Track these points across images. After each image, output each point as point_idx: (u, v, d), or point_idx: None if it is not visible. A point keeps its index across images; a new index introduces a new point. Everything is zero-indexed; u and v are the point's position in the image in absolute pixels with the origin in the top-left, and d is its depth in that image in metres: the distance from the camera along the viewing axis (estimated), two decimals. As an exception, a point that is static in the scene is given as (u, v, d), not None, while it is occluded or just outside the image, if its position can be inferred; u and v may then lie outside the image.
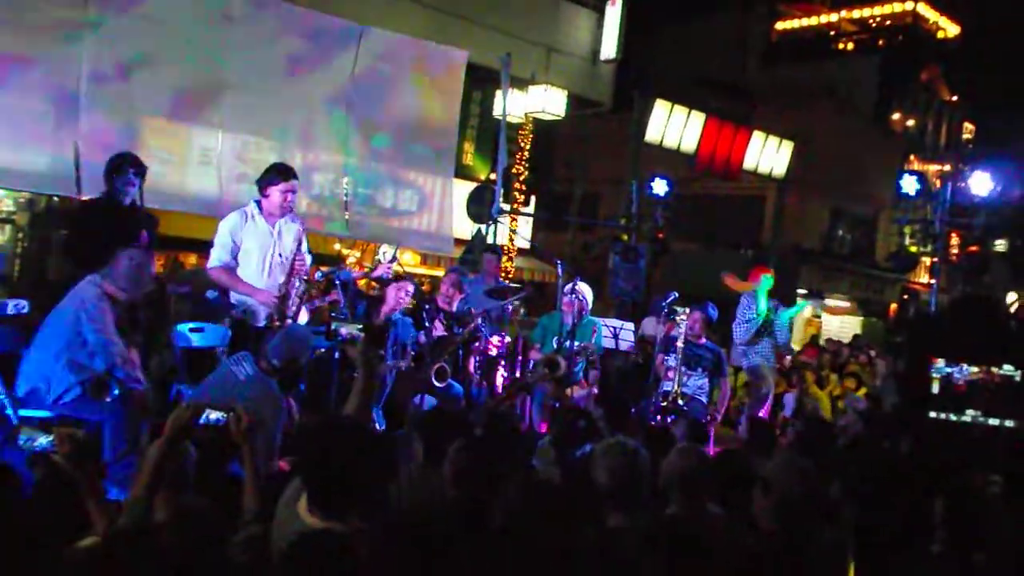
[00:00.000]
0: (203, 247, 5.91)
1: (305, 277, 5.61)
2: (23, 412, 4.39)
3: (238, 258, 5.47)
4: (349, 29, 8.51)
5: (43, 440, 2.57)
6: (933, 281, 14.35)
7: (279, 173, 5.56)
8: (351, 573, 1.92)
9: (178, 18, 7.50)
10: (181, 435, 2.73)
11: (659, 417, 6.95)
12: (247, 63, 7.84)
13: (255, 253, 5.48)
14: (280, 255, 5.51)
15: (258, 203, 5.55)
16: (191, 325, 6.00)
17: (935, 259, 14.61)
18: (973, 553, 2.89)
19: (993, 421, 2.52)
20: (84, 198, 6.62)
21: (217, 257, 5.46)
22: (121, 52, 7.21)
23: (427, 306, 6.88)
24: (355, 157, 8.59)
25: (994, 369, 2.76)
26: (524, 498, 2.77)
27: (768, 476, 3.35)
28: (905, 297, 18.56)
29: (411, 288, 6.73)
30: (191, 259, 11.50)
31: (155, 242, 5.72)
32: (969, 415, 2.51)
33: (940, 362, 2.64)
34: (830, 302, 23.42)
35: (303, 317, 5.65)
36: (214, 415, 2.79)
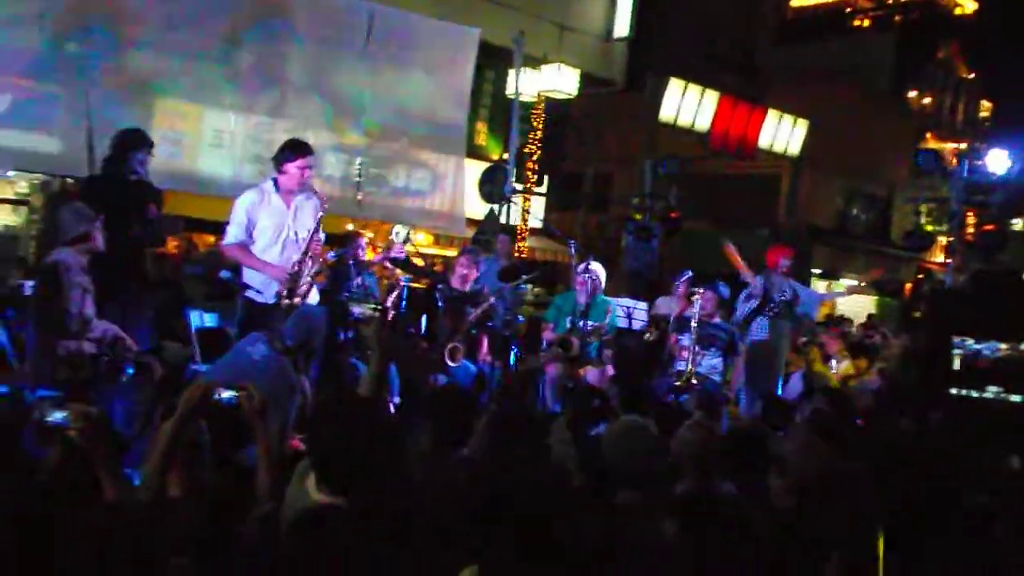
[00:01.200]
0: (218, 228, 5.91)
1: (320, 258, 5.60)
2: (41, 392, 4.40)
3: (253, 235, 5.47)
4: (360, 8, 8.46)
5: (58, 415, 2.55)
6: (949, 260, 14.24)
7: (295, 149, 5.54)
8: (354, 548, 1.90)
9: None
10: (193, 413, 2.73)
11: (673, 396, 6.93)
12: (259, 43, 7.81)
13: (269, 231, 5.47)
14: (295, 233, 5.48)
15: (275, 180, 5.54)
16: (205, 305, 6.01)
17: (951, 238, 14.48)
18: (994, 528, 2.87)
19: (1015, 397, 2.47)
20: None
21: (232, 235, 5.47)
22: (133, 33, 7.19)
23: (440, 286, 6.87)
24: (367, 137, 8.56)
25: (1023, 346, 2.71)
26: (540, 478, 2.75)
27: (785, 456, 3.32)
28: (919, 276, 18.40)
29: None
30: (207, 239, 11.50)
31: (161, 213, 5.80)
32: (991, 391, 2.47)
33: (968, 339, 2.59)
34: (845, 282, 23.27)
35: (313, 296, 5.64)
36: (226, 394, 2.78)
